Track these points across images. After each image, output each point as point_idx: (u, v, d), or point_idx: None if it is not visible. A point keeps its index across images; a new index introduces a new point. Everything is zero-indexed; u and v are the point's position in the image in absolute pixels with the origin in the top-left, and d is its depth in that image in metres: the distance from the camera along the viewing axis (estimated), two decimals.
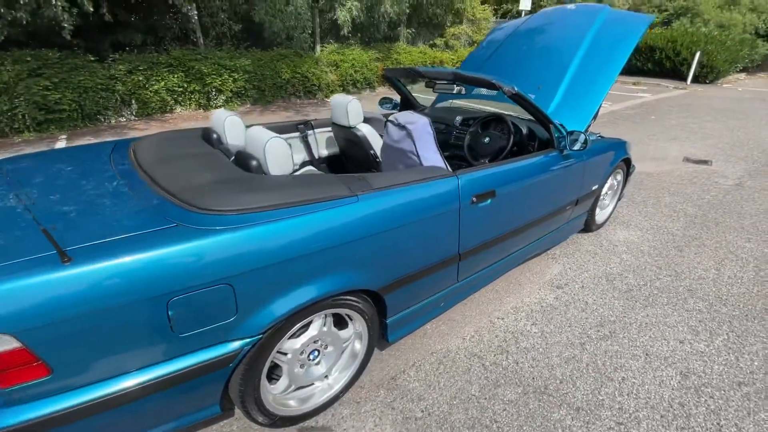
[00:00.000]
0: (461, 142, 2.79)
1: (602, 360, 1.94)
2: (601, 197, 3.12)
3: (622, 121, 7.57)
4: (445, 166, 1.96)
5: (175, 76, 7.40)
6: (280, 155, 1.59)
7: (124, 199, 1.30)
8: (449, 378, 1.83)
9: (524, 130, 2.57)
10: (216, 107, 8.00)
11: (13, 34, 6.51)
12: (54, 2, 5.49)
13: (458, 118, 3.01)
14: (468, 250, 1.93)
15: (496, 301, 2.38)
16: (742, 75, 14.83)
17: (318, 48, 10.15)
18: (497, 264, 2.26)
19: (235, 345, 1.24)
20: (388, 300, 1.67)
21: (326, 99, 9.34)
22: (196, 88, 7.66)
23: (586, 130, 2.83)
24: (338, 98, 2.56)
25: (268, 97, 8.56)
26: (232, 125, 2.00)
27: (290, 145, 2.77)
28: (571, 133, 2.26)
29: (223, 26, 8.79)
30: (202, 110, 7.89)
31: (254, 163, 1.60)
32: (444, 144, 3.11)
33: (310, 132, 2.83)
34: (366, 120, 2.65)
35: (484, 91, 2.98)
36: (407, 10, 10.79)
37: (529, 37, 3.30)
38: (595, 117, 2.83)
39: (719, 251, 2.97)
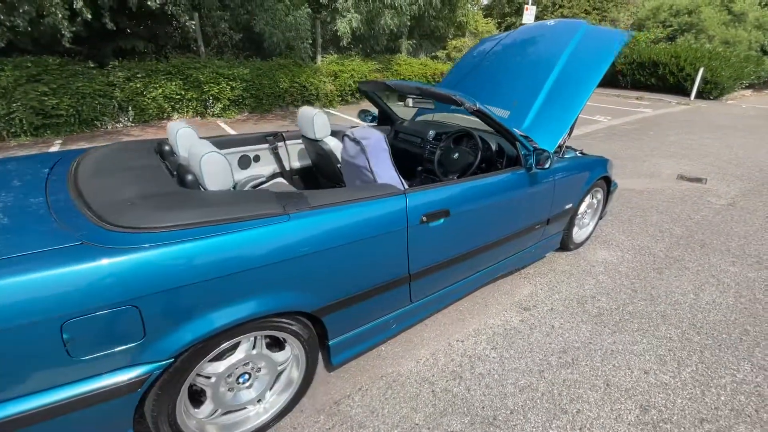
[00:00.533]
0: (434, 157, 2.74)
1: (559, 390, 1.85)
2: (579, 216, 3.05)
3: (620, 136, 7.48)
4: (399, 184, 1.92)
5: (173, 83, 7.49)
6: (218, 170, 1.55)
7: (37, 214, 1.26)
8: (395, 404, 1.75)
9: (494, 147, 2.51)
10: (213, 115, 8.09)
11: (17, 41, 6.67)
12: (53, 10, 5.60)
13: (431, 133, 2.97)
14: (420, 271, 1.86)
15: (458, 322, 2.30)
16: (748, 92, 14.65)
17: (319, 58, 10.25)
18: (458, 284, 2.19)
19: (144, 369, 1.19)
20: (328, 322, 1.61)
21: (324, 108, 9.39)
22: (194, 96, 7.74)
23: (562, 147, 2.78)
24: (305, 111, 2.54)
25: (265, 105, 8.62)
26: (184, 137, 1.97)
27: (258, 157, 2.77)
28: (537, 150, 2.20)
29: (224, 36, 8.91)
30: (199, 117, 7.96)
31: (190, 177, 1.57)
32: (418, 159, 3.07)
33: (280, 144, 2.80)
34: (333, 133, 2.62)
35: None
36: (408, 23, 10.87)
37: (509, 53, 3.26)
38: (570, 132, 2.78)
39: (700, 275, 2.86)
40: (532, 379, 1.90)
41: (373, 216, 1.59)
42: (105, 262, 1.07)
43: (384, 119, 3.48)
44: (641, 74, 13.55)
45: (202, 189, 1.58)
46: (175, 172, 1.75)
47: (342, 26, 9.21)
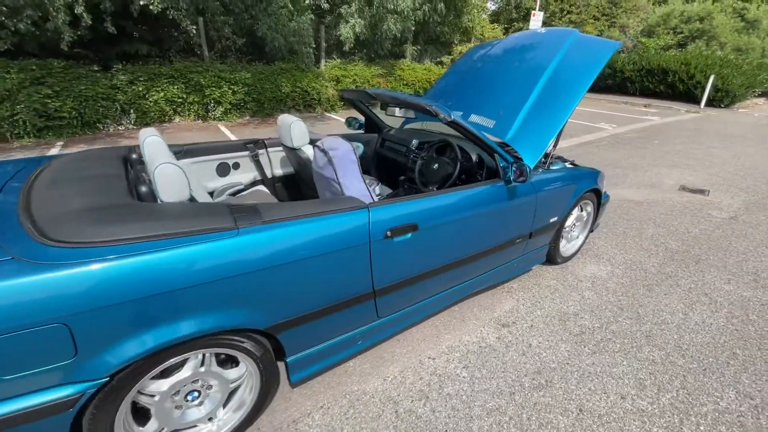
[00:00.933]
0: (415, 167, 2.69)
1: (528, 414, 1.77)
2: (567, 229, 2.96)
3: (623, 144, 7.34)
4: (367, 196, 1.87)
5: (175, 87, 7.57)
6: (172, 181, 1.51)
7: None
8: (355, 425, 1.69)
9: (474, 158, 2.45)
10: (214, 118, 8.15)
11: (24, 44, 6.80)
12: (56, 14, 5.70)
13: (415, 142, 2.92)
14: (386, 287, 1.81)
15: (432, 338, 2.23)
16: (761, 100, 14.32)
17: (323, 63, 10.28)
18: (431, 299, 2.13)
19: (76, 388, 1.15)
20: (284, 339, 1.56)
21: (326, 113, 9.41)
22: (195, 99, 7.81)
23: (548, 158, 2.71)
24: (283, 118, 2.51)
25: (267, 109, 8.66)
26: (151, 146, 1.95)
27: (237, 164, 2.73)
28: (516, 163, 2.13)
29: (228, 40, 8.99)
30: (200, 121, 8.03)
31: (144, 189, 1.54)
32: (402, 168, 3.02)
33: (261, 151, 2.78)
34: (312, 142, 2.59)
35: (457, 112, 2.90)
36: (413, 28, 10.87)
37: (498, 61, 3.20)
38: (556, 142, 2.71)
39: (692, 293, 2.75)
40: (502, 402, 1.83)
41: (332, 231, 1.55)
42: (33, 278, 1.04)
43: (371, 127, 3.45)
44: (650, 81, 13.34)
45: (159, 201, 1.55)
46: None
47: (345, 31, 9.24)
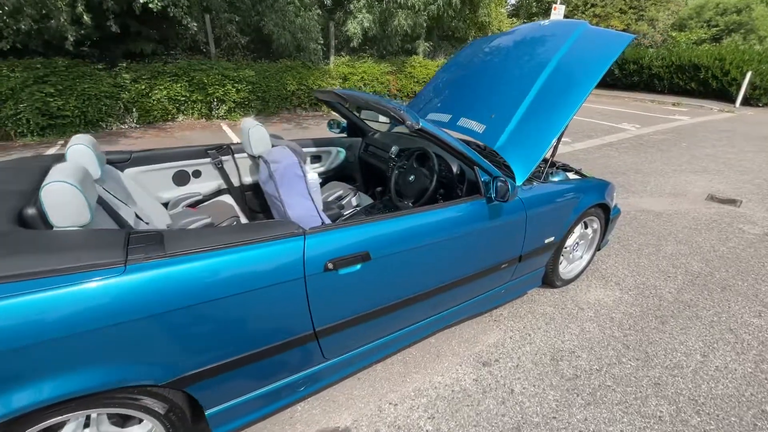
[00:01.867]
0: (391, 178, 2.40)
1: None
2: (568, 249, 2.61)
3: (646, 147, 6.80)
4: (316, 217, 1.60)
5: (179, 85, 7.48)
6: (64, 203, 1.28)
7: None
8: None
9: (455, 169, 2.14)
10: (218, 117, 8.04)
11: (31, 43, 6.83)
12: (57, 14, 5.65)
13: (394, 149, 2.62)
14: (332, 326, 1.53)
15: (398, 377, 1.94)
16: None
17: (332, 59, 10.04)
18: (394, 335, 1.84)
19: None
20: (197, 393, 1.31)
21: (332, 112, 9.17)
22: (199, 98, 7.71)
23: (544, 169, 2.37)
24: (243, 123, 2.26)
25: (271, 108, 8.50)
26: (72, 156, 1.72)
27: (198, 172, 2.47)
28: (497, 178, 1.81)
29: (235, 37, 8.86)
30: (203, 119, 7.93)
31: (31, 212, 1.30)
32: (383, 177, 2.73)
33: (226, 157, 2.54)
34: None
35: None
36: (425, 24, 10.49)
37: (495, 57, 2.86)
38: (555, 149, 2.36)
39: (715, 328, 2.35)
40: None
41: (255, 265, 1.28)
42: None
43: (354, 130, 3.17)
44: (680, 78, 12.51)
45: (51, 226, 1.31)
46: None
47: (352, 27, 8.96)
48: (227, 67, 7.98)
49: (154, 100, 7.32)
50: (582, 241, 2.71)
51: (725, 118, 9.98)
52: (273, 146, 2.33)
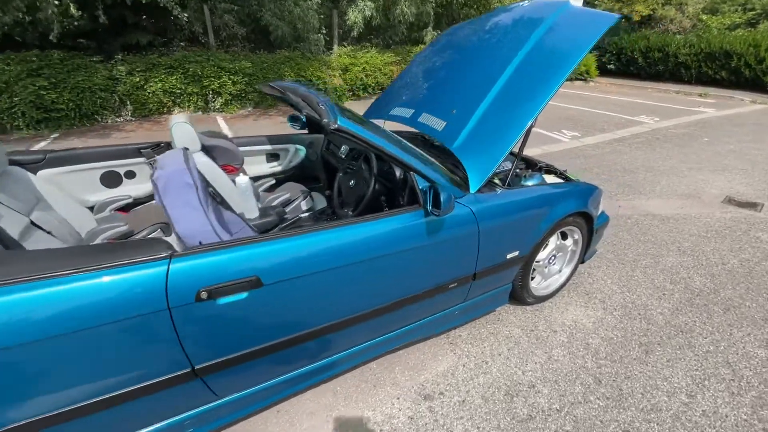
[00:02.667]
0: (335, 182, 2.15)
1: None
2: (542, 263, 2.30)
3: (662, 142, 6.26)
4: (208, 232, 1.37)
5: (174, 77, 7.37)
6: None
7: None
8: None
9: (399, 174, 1.87)
10: (214, 110, 7.91)
11: (26, 36, 6.85)
12: (44, 5, 5.57)
13: (344, 148, 2.36)
14: (218, 363, 1.31)
15: (323, 412, 1.71)
16: None
17: (336, 49, 9.76)
18: (312, 367, 1.60)
19: None
20: None
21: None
22: (194, 90, 7.59)
23: (509, 172, 2.07)
24: (172, 119, 2.05)
25: (269, 100, 8.31)
26: None
27: (132, 173, 2.24)
28: (434, 186, 1.53)
29: (234, 28, 8.69)
30: (200, 112, 7.82)
31: None
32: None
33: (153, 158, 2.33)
34: (206, 148, 2.11)
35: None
36: (432, 11, 10.04)
37: (468, 43, 2.55)
38: (521, 149, 2.05)
39: (709, 360, 2.02)
40: None
41: (97, 296, 1.06)
42: None
43: (315, 126, 2.91)
44: (709, 67, 11.61)
45: None
46: None
47: (353, 15, 8.64)
48: (223, 59, 7.82)
49: (149, 92, 7.24)
50: (560, 254, 2.39)
51: (757, 110, 9.18)
52: (205, 145, 2.11)
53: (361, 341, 1.69)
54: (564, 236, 2.36)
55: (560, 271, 2.46)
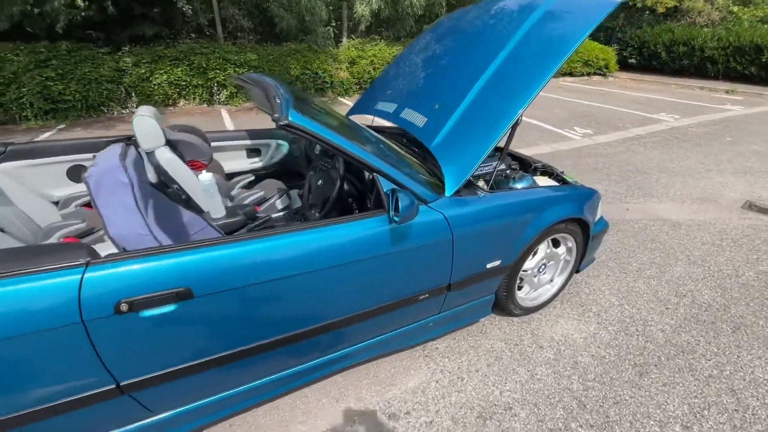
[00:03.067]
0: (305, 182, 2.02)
1: None
2: (530, 272, 2.12)
3: (681, 141, 5.92)
4: (145, 236, 1.26)
5: (179, 69, 7.36)
6: None
7: None
8: None
9: (368, 176, 1.73)
10: (219, 102, 7.88)
11: (35, 27, 6.92)
12: None
13: (318, 146, 2.22)
14: (147, 378, 1.20)
15: (275, 428, 1.60)
16: None
17: (345, 42, 9.60)
18: (265, 380, 1.48)
19: None
20: None
21: (339, 98, 8.79)
22: (200, 82, 7.56)
23: (492, 174, 1.90)
24: (138, 110, 1.94)
25: None
26: None
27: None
28: (398, 191, 1.38)
29: (242, 20, 8.62)
30: (205, 105, 7.80)
31: None
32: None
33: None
34: (172, 143, 2.00)
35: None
36: (444, 1, 9.75)
37: (460, 33, 2.37)
38: (510, 139, 1.88)
39: (711, 386, 1.82)
40: None
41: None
42: None
43: None
44: (738, 62, 11.00)
45: None
46: None
47: (360, 8, 8.45)
48: (229, 51, 7.77)
49: (154, 84, 7.24)
50: (551, 263, 2.21)
51: None
52: (170, 140, 2.01)
53: (316, 356, 1.56)
54: (556, 244, 2.18)
55: (551, 280, 2.28)
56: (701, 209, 3.72)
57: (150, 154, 1.93)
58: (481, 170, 2.15)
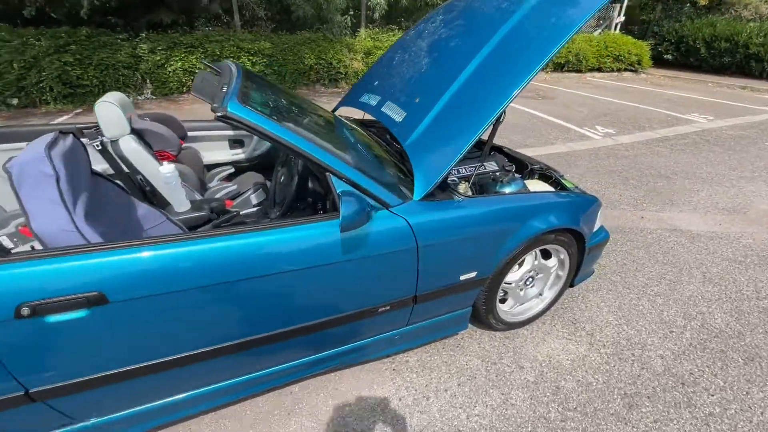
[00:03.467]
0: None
1: None
2: (513, 285, 1.94)
3: (712, 145, 5.48)
4: (71, 232, 1.17)
5: (194, 56, 7.38)
6: None
7: None
8: None
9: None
10: None
11: (56, 12, 7.07)
12: None
13: None
14: (60, 387, 1.12)
15: None
16: None
17: (362, 31, 9.42)
18: (194, 394, 1.39)
19: None
20: None
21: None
22: None
23: (471, 175, 1.74)
24: (101, 98, 1.87)
25: (288, 83, 8.15)
26: None
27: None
28: (345, 195, 1.24)
29: (259, 7, 8.57)
30: None
31: None
32: None
33: (104, 138, 2.18)
34: (138, 132, 1.92)
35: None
36: None
37: (455, 21, 2.18)
38: (492, 136, 1.71)
39: (710, 427, 1.60)
40: None
41: None
42: None
43: None
44: None
45: None
46: None
47: None
48: (244, 39, 7.73)
49: (169, 71, 7.29)
50: (540, 275, 2.02)
51: None
52: (135, 128, 1.93)
53: (256, 368, 1.45)
54: (547, 255, 1.99)
55: (540, 294, 2.09)
56: (726, 221, 3.40)
57: (114, 143, 1.85)
58: (468, 172, 1.98)
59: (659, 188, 4.01)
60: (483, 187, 1.96)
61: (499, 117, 1.55)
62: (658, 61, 12.64)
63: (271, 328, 1.33)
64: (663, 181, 4.20)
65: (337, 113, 2.73)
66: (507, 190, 1.88)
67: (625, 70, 11.84)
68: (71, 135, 1.39)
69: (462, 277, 1.64)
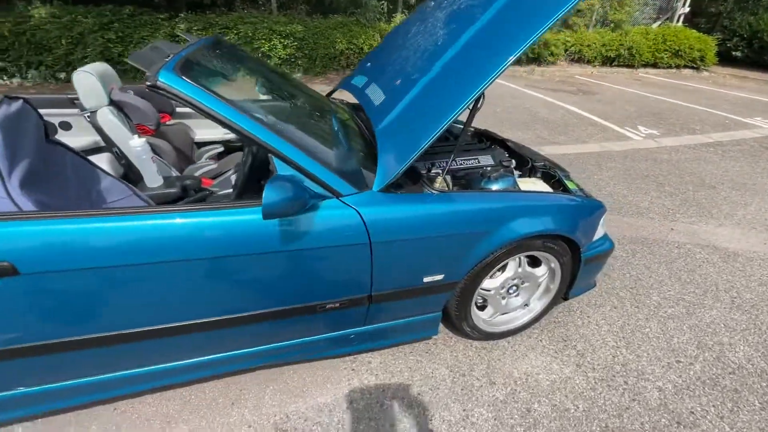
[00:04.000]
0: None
1: None
2: (493, 292, 1.76)
3: (736, 154, 4.84)
4: (5, 201, 1.15)
5: (228, 38, 7.49)
6: None
7: None
8: None
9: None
10: None
11: None
12: None
13: None
14: None
15: (156, 420, 1.47)
16: None
17: (398, 16, 9.18)
18: (116, 376, 1.34)
19: None
20: None
21: None
22: None
23: (447, 166, 1.58)
24: (80, 67, 1.87)
25: (318, 67, 8.11)
26: None
27: (67, 124, 2.13)
28: (279, 178, 1.12)
29: None
30: None
31: None
32: None
33: (86, 112, 2.19)
34: (117, 104, 1.91)
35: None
36: None
37: (446, 4, 1.98)
38: (469, 122, 1.53)
39: None
40: None
41: None
42: None
43: None
44: None
45: None
46: None
47: None
48: (277, 21, 7.74)
49: None
50: (525, 284, 1.82)
51: None
52: (114, 100, 1.92)
53: (188, 356, 1.39)
54: (535, 262, 1.79)
55: (527, 305, 1.89)
56: (766, 240, 2.97)
57: (93, 114, 1.85)
58: (459, 165, 1.83)
59: (699, 198, 3.59)
60: (469, 182, 1.78)
61: (477, 103, 1.37)
62: (726, 59, 11.41)
63: (190, 317, 1.26)
64: (705, 191, 3.75)
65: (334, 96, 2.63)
66: (493, 187, 1.69)
67: (685, 66, 10.78)
68: (21, 101, 1.37)
69: (426, 279, 1.49)
